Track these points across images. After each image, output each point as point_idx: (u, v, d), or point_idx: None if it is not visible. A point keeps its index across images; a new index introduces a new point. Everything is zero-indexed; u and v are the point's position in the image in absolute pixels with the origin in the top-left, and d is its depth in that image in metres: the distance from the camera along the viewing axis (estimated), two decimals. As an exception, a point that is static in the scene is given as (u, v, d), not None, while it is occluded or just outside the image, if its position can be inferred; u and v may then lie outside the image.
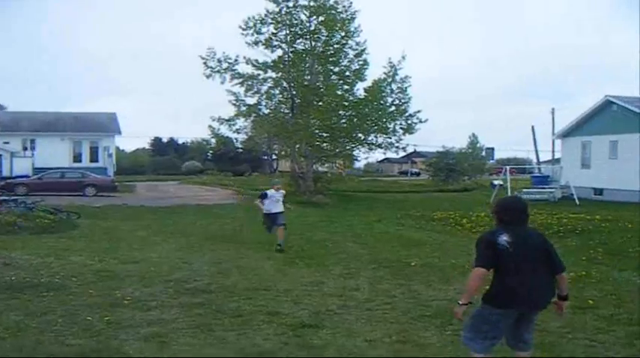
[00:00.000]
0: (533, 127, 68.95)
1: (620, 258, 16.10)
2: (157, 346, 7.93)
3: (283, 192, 19.25)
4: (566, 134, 48.71)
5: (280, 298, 10.85)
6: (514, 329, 6.54)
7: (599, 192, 43.25)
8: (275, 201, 18.19)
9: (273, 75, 41.36)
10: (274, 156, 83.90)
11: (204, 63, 39.97)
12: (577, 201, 38.60)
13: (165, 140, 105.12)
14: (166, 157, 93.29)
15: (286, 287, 11.77)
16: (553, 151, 59.61)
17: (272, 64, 40.63)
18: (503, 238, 6.32)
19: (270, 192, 18.53)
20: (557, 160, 54.44)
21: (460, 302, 6.40)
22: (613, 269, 14.43)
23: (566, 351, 7.99)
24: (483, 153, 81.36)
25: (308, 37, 40.89)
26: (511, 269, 6.29)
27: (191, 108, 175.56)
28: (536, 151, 65.98)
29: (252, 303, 10.36)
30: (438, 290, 11.93)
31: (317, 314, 9.67)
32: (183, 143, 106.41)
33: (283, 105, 43.22)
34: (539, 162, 65.82)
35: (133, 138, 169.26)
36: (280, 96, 42.73)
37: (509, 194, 37.80)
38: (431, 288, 12.04)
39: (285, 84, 41.72)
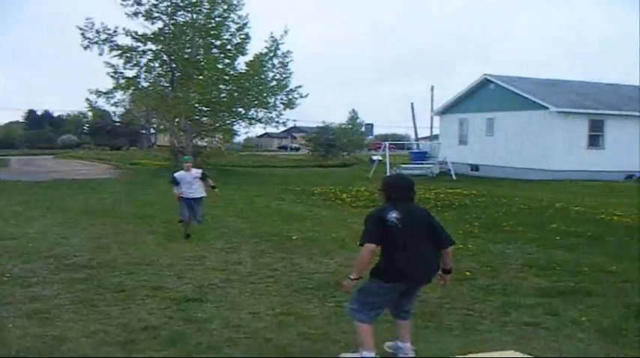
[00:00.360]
0: (412, 104, 70.35)
1: (495, 232, 16.66)
2: (40, 322, 7.80)
3: (198, 170, 15.70)
4: (445, 111, 49.82)
5: (163, 273, 10.81)
6: (397, 300, 6.77)
7: (475, 168, 44.49)
8: (188, 184, 15.12)
9: (153, 47, 40.61)
10: (152, 130, 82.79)
11: (82, 34, 38.91)
12: (454, 176, 39.61)
13: (39, 113, 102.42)
14: (41, 131, 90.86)
15: (169, 262, 11.73)
16: (431, 128, 60.83)
17: (152, 36, 39.87)
18: (393, 215, 6.49)
19: (180, 173, 15.32)
20: (436, 137, 55.62)
21: (351, 277, 6.49)
22: (488, 242, 14.92)
23: (445, 320, 8.27)
24: (363, 129, 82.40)
25: (189, 9, 40.34)
26: (399, 245, 6.47)
27: (67, 80, 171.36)
28: (415, 127, 67.15)
29: (134, 278, 10.30)
30: (319, 263, 12.09)
31: (200, 288, 9.69)
32: (59, 116, 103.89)
33: (163, 79, 42.54)
34: (417, 139, 67.02)
35: (5, 111, 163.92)
36: (160, 69, 42.00)
37: (388, 169, 38.47)
38: (312, 261, 12.20)
39: (165, 57, 41.07)
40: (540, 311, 8.76)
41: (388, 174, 8.00)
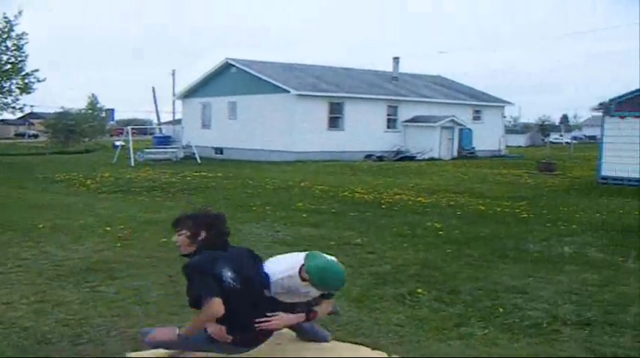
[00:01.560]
0: (153, 88, 70.00)
1: (243, 212, 16.97)
2: None
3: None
4: (187, 95, 50.00)
5: None
6: None
7: (219, 151, 45.02)
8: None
9: None
10: None
11: None
12: (199, 159, 39.81)
13: None
14: None
15: None
16: (174, 112, 60.80)
17: None
18: (228, 274, 5.28)
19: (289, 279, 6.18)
20: (179, 121, 55.63)
21: (181, 333, 5.53)
22: (237, 222, 15.07)
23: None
24: (103, 114, 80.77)
25: None
26: (239, 308, 5.31)
27: None
28: (157, 112, 66.81)
29: None
30: (70, 250, 11.80)
31: (-55, 282, 9.21)
32: None
33: None
34: (160, 123, 66.68)
35: None
36: None
37: (132, 155, 37.97)
38: (62, 249, 11.87)
39: None
40: (293, 285, 9.11)
41: (194, 210, 6.33)
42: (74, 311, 7.77)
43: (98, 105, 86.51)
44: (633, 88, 27.77)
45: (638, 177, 25.96)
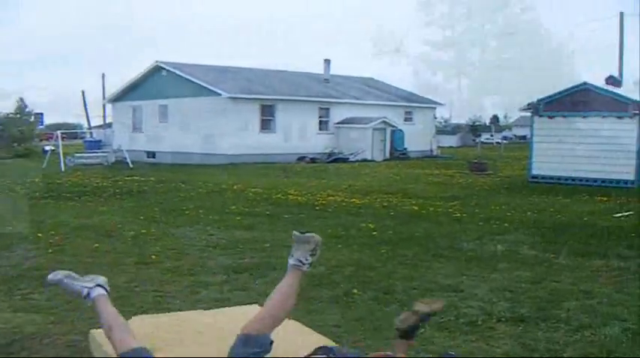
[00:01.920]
0: (83, 92, 69.24)
1: (176, 216, 16.80)
2: None
3: None
4: (117, 99, 49.50)
5: None
6: None
7: (151, 155, 44.62)
8: None
9: None
10: None
11: None
12: (130, 164, 39.34)
13: None
14: None
15: None
16: (104, 116, 60.18)
17: None
18: None
19: None
20: (110, 125, 55.04)
21: None
22: (170, 227, 15.03)
23: (137, 302, 8.26)
24: (32, 119, 79.31)
25: None
26: None
27: None
28: (88, 116, 66.11)
29: None
30: (0, 257, 11.58)
31: None
32: None
33: None
34: (90, 127, 65.92)
35: None
36: None
37: (61, 159, 37.36)
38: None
39: None
40: (229, 288, 9.02)
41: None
42: (6, 320, 7.58)
43: (27, 110, 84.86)
44: (561, 89, 28.28)
45: (567, 175, 26.47)
